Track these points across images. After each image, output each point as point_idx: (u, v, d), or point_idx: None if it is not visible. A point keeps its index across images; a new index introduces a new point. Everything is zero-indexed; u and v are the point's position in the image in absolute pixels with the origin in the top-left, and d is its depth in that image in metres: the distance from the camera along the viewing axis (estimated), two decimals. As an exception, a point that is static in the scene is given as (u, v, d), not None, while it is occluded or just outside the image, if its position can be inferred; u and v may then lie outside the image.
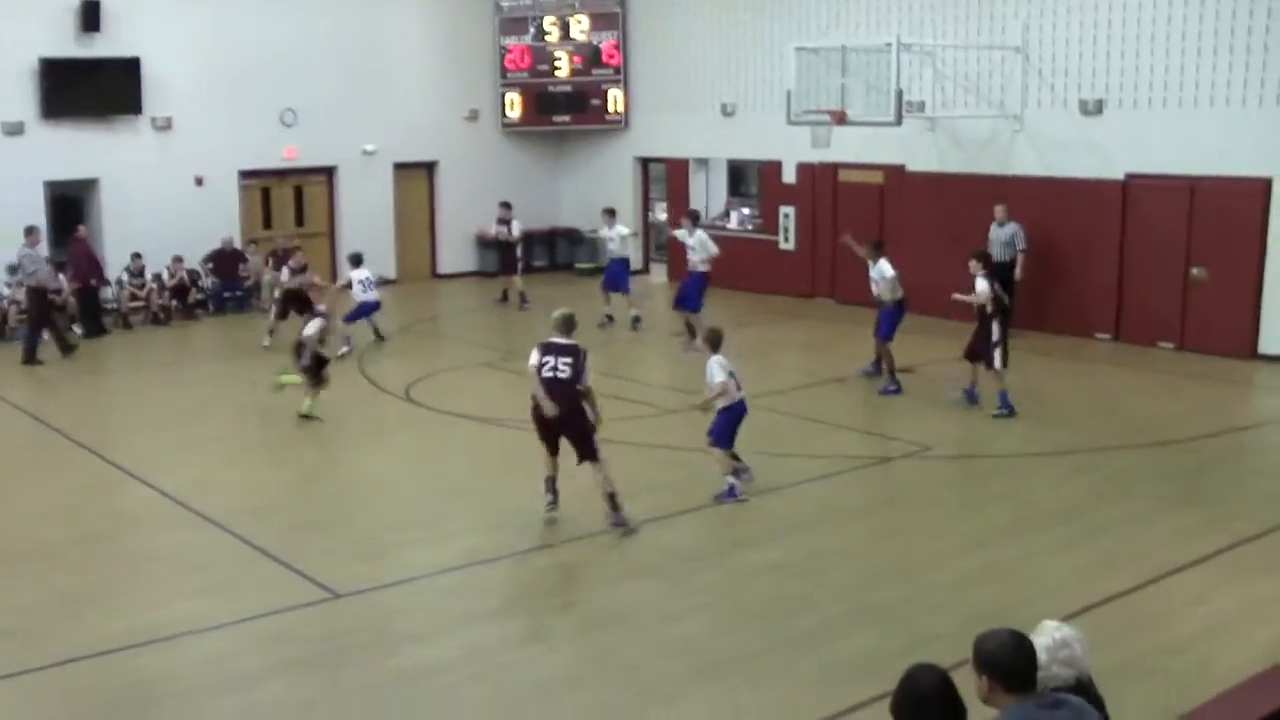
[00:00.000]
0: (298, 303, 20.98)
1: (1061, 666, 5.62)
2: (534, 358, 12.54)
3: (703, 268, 21.60)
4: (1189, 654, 9.66)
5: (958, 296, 17.68)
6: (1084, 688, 5.66)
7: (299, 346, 16.96)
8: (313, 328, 16.93)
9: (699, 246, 21.80)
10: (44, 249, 22.23)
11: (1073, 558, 11.69)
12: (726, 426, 13.53)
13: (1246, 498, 13.58)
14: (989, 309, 16.80)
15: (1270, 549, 11.95)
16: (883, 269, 18.41)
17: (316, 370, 16.91)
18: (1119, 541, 12.12)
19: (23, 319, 22.80)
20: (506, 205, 26.50)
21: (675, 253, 26.59)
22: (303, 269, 21.89)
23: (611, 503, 12.57)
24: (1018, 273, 21.50)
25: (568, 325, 12.70)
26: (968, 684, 5.41)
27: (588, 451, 12.55)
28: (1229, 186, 20.10)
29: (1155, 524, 12.65)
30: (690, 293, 21.52)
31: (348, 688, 9.22)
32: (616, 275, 23.89)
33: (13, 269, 22.69)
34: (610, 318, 23.75)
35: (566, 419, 12.49)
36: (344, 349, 21.01)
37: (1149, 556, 11.64)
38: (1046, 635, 5.68)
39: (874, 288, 18.60)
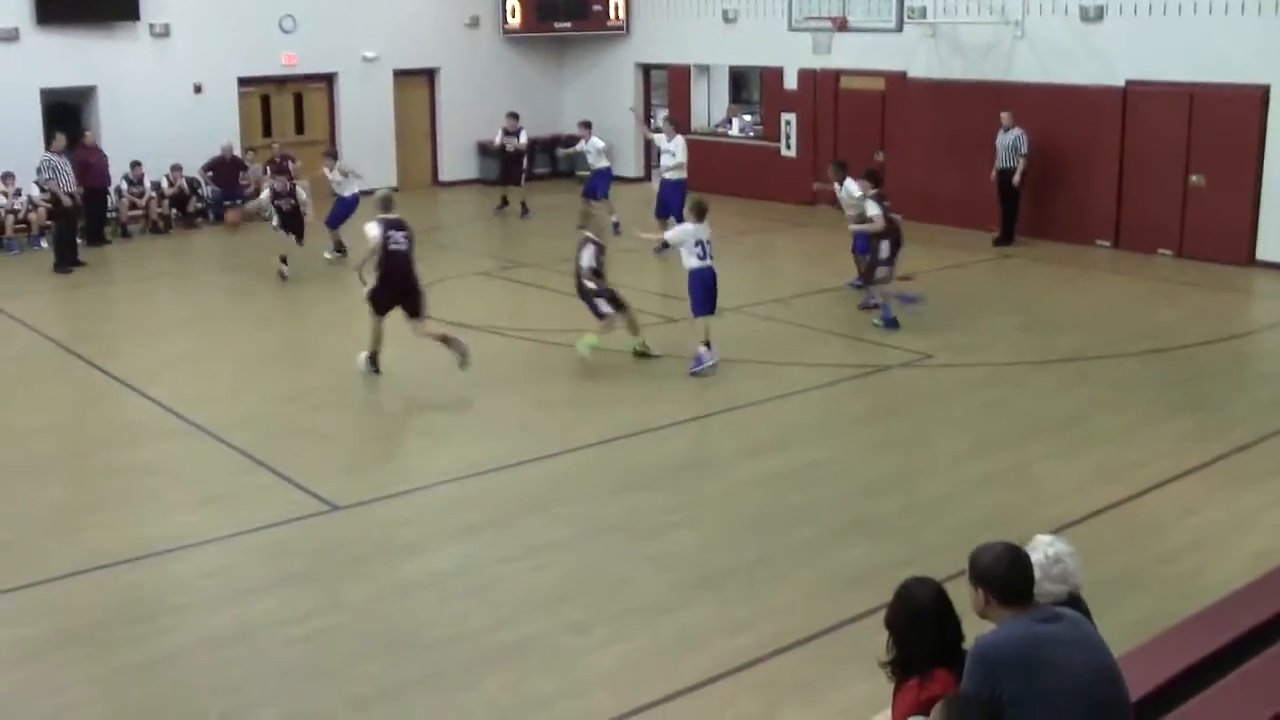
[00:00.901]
0: (295, 220, 20.59)
1: (1054, 583, 5.58)
2: (377, 231, 14.29)
3: (678, 175, 21.46)
4: (1182, 563, 9.70)
5: (854, 228, 17.79)
6: (1075, 602, 5.66)
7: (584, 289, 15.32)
8: (587, 257, 15.03)
9: (678, 151, 21.64)
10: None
11: (1070, 467, 11.73)
12: (700, 293, 14.70)
13: (1243, 405, 13.63)
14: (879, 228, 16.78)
15: (1264, 457, 11.98)
16: (849, 189, 18.04)
17: (612, 301, 15.13)
18: (1116, 450, 12.15)
19: (21, 228, 22.80)
20: (514, 115, 26.18)
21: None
22: (290, 191, 20.68)
23: (446, 341, 14.37)
24: (1016, 179, 21.52)
25: (387, 203, 14.66)
26: (964, 597, 5.43)
27: (421, 309, 14.45)
28: (1227, 94, 20.03)
29: (1152, 432, 12.68)
30: (672, 199, 21.26)
31: (344, 601, 9.26)
32: (594, 183, 23.79)
33: (6, 176, 22.71)
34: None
35: (409, 286, 14.39)
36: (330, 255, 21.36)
37: (1145, 465, 11.67)
38: (1039, 551, 5.64)
39: (846, 210, 18.20)
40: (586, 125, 24.53)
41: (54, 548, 10.16)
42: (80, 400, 14.29)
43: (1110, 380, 14.45)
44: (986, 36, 23.01)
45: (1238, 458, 11.94)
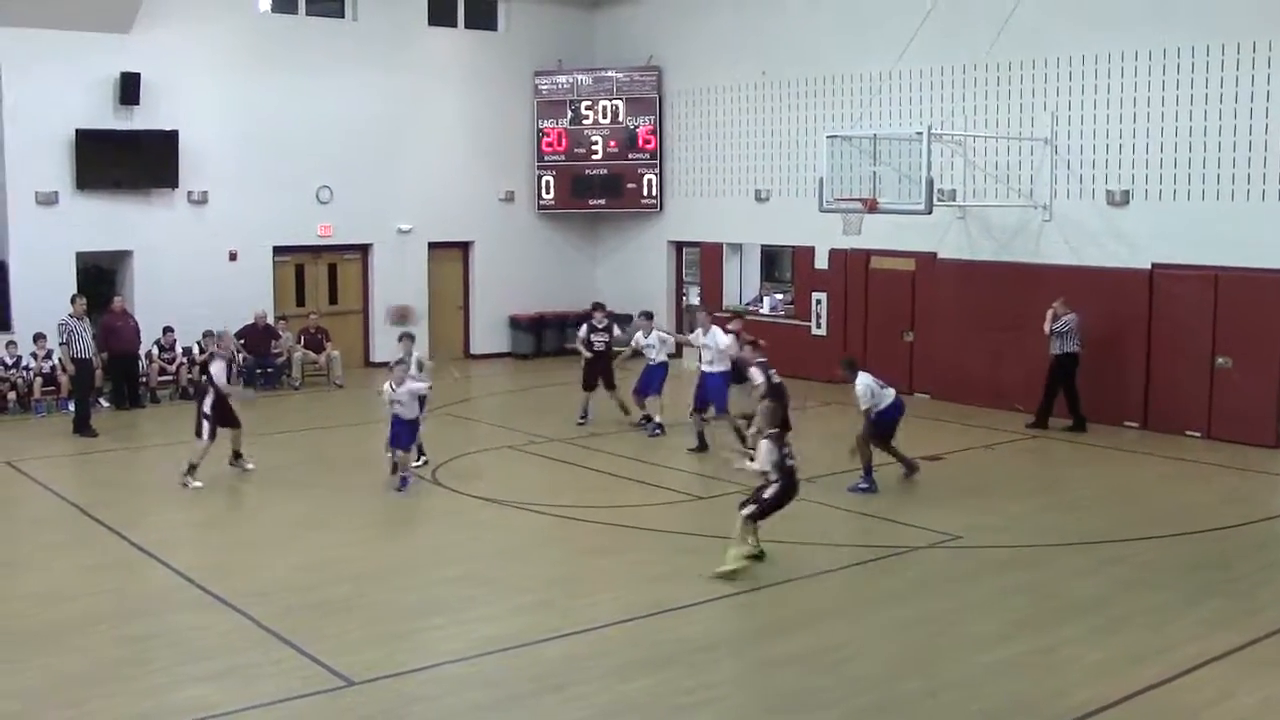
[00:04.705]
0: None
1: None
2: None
3: (718, 367, 19.99)
4: (1212, 753, 9.50)
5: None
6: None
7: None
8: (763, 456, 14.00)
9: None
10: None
11: (1099, 651, 11.51)
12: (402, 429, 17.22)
13: (1271, 590, 13.49)
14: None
15: (1294, 643, 11.82)
16: (859, 393, 17.33)
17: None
18: (1145, 634, 11.96)
19: (49, 390, 22.98)
20: (601, 306, 23.54)
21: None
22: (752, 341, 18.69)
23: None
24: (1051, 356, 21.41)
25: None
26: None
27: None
28: (1251, 277, 20.21)
29: (1182, 616, 12.48)
30: (713, 391, 19.96)
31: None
32: (652, 377, 21.64)
33: (38, 337, 22.97)
34: (648, 419, 21.88)
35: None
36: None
37: (1175, 650, 11.49)
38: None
39: (860, 403, 17.40)
40: (648, 316, 22.39)
41: (61, 718, 9.99)
42: (99, 568, 14.17)
43: (1139, 562, 14.26)
44: (1015, 219, 23.26)
45: (1269, 642, 11.73)
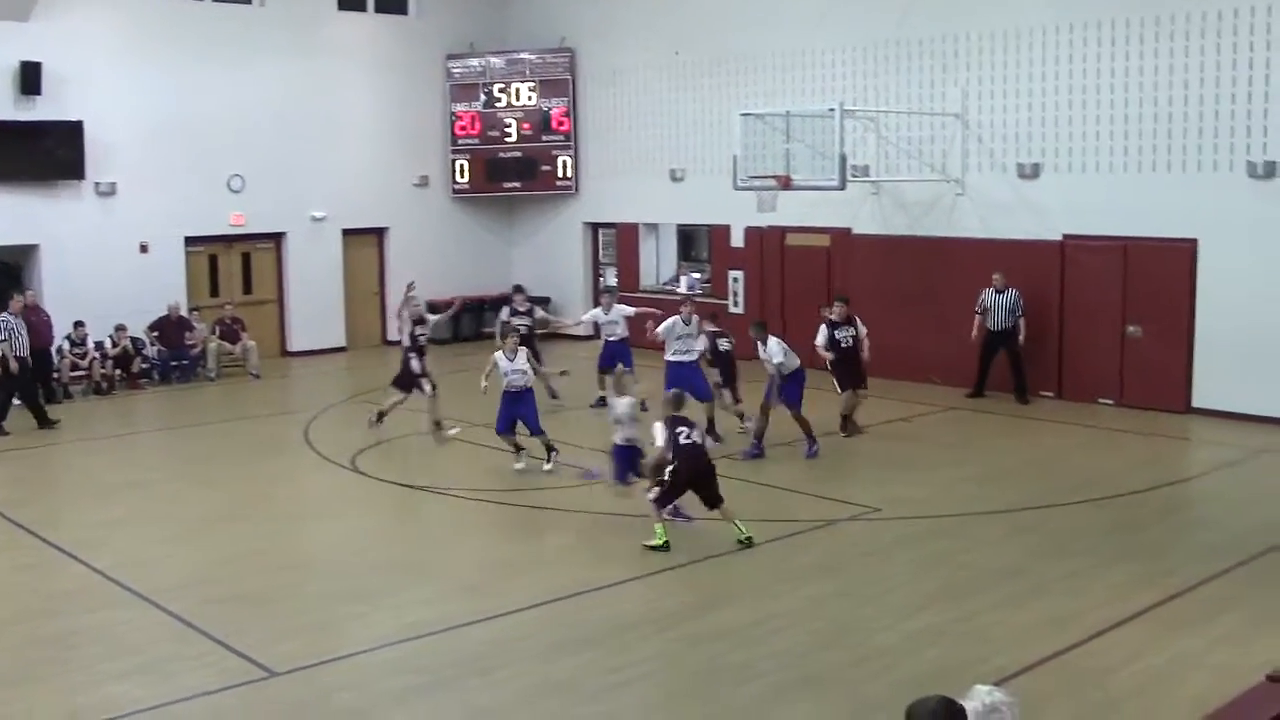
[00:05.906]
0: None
1: (991, 734, 5.53)
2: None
3: (692, 357, 19.36)
4: (1126, 710, 9.70)
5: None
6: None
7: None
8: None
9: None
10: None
11: (1015, 617, 11.71)
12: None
13: (1181, 551, 13.84)
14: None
15: (1202, 601, 12.11)
16: (771, 351, 17.88)
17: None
18: (1059, 599, 12.17)
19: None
20: (520, 289, 23.73)
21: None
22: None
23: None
24: (1021, 339, 21.74)
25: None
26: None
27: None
28: (1158, 247, 20.55)
29: (1095, 581, 12.70)
30: (699, 381, 19.10)
31: (279, 768, 9.04)
32: (617, 354, 21.30)
33: None
34: (604, 400, 21.00)
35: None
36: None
37: (1089, 613, 11.71)
38: (976, 700, 5.56)
39: (768, 368, 17.94)
40: (609, 291, 22.45)
41: (-28, 721, 9.85)
42: (16, 568, 13.93)
43: (1054, 529, 14.51)
44: (928, 193, 23.45)
45: (1178, 601, 12.05)
